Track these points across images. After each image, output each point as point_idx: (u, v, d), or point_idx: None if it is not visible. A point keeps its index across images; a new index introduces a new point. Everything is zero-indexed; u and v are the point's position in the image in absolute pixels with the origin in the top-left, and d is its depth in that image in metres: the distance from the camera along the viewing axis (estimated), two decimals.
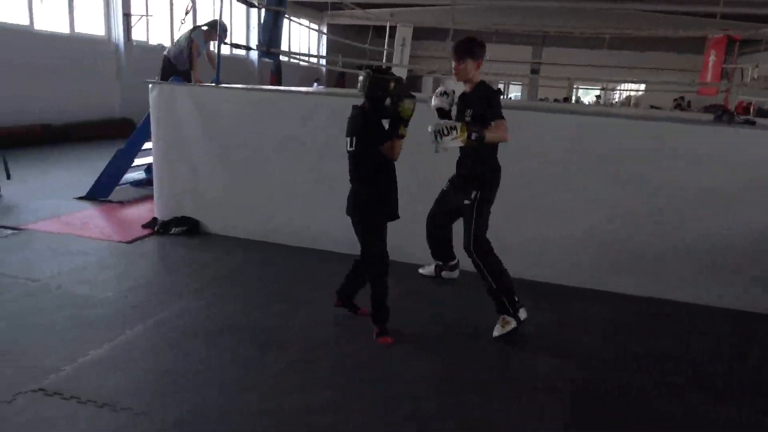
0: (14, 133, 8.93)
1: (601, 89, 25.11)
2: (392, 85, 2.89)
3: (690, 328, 3.61)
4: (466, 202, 3.23)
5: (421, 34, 13.79)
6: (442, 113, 3.43)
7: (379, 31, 14.90)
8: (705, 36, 10.48)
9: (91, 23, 10.95)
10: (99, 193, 5.88)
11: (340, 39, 8.83)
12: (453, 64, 3.23)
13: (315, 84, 18.11)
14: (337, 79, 21.17)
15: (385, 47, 10.53)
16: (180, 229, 4.85)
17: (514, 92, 26.65)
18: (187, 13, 5.31)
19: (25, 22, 9.54)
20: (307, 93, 4.98)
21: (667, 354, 3.22)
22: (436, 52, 16.18)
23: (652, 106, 18.88)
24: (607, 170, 3.98)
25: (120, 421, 2.30)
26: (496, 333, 3.20)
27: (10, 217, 4.97)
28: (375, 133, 2.95)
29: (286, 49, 13.20)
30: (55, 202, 5.60)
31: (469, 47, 3.20)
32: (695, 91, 14.42)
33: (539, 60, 24.68)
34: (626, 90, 24.78)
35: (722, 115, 4.20)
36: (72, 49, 10.30)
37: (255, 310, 3.47)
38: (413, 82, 19.19)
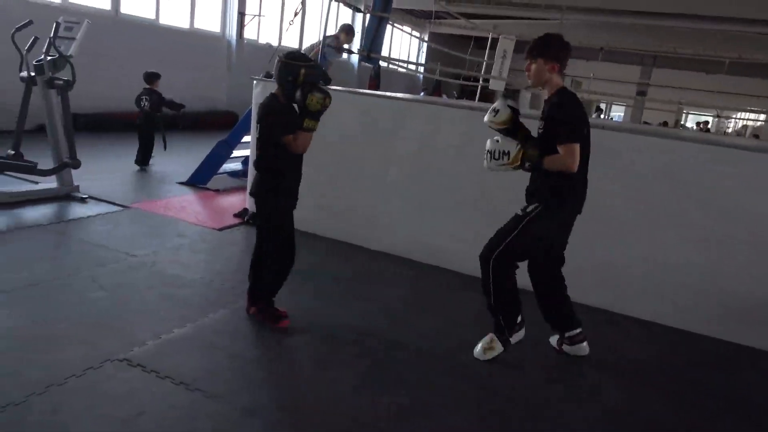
0: (132, 118, 9.66)
1: (714, 116, 23.49)
2: (303, 72, 2.76)
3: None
4: (518, 212, 2.86)
5: (523, 47, 13.52)
6: (512, 125, 2.84)
7: (480, 42, 14.79)
8: None
9: (209, 20, 11.66)
10: (198, 180, 6.22)
11: (440, 48, 8.80)
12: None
13: (422, 93, 18.21)
14: (434, 89, 21.20)
15: (485, 58, 10.39)
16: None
17: (617, 113, 25.48)
18: (296, 15, 5.47)
19: (152, 16, 10.31)
20: (412, 100, 4.96)
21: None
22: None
23: None
24: (705, 199, 3.67)
25: (192, 401, 2.39)
26: (476, 354, 2.98)
27: (121, 194, 5.36)
28: (280, 123, 2.82)
29: (387, 55, 13.40)
30: (159, 185, 6.00)
31: (543, 45, 2.80)
32: None
33: (647, 81, 23.52)
34: (743, 119, 23.00)
35: None
36: (190, 43, 11.02)
37: (333, 306, 3.51)
38: (511, 95, 18.86)
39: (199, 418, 2.30)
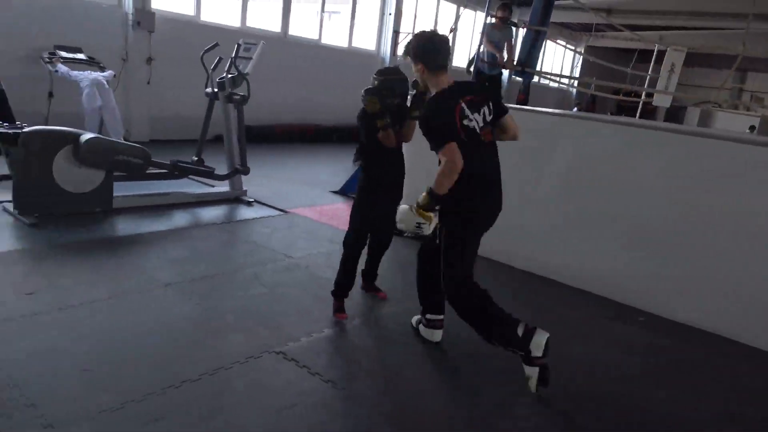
0: (294, 129, 10.51)
1: None
2: (375, 81, 3.33)
3: None
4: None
5: (694, 60, 12.37)
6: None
7: (643, 55, 13.81)
8: None
9: (366, 39, 12.28)
10: (350, 189, 6.54)
11: (601, 62, 8.36)
12: None
13: (575, 109, 17.53)
14: (588, 104, 20.19)
15: (649, 72, 9.68)
16: (414, 233, 5.11)
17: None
18: (451, 31, 5.54)
19: (315, 37, 11.11)
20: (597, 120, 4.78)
21: None
22: (708, 80, 14.35)
23: None
24: None
25: (339, 399, 2.51)
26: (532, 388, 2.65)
27: (281, 200, 5.81)
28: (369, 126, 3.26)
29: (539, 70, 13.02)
30: (314, 192, 6.40)
31: (409, 44, 2.73)
32: None
33: None
34: None
35: None
36: (347, 61, 11.68)
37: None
38: (674, 113, 17.25)
39: (345, 417, 2.40)
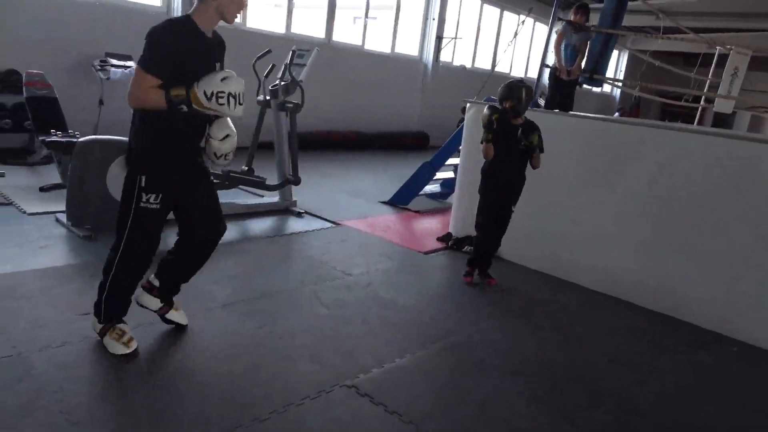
0: (332, 137, 10.34)
1: None
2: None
3: None
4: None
5: (758, 64, 11.76)
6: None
7: (690, 58, 13.22)
8: None
9: (409, 45, 12.07)
10: (399, 200, 6.31)
11: (666, 66, 7.96)
12: None
13: (617, 114, 17.00)
14: (632, 108, 19.56)
15: (709, 76, 9.19)
16: (471, 248, 4.85)
17: None
18: (515, 36, 5.27)
19: (359, 42, 10.95)
20: (625, 123, 4.49)
21: None
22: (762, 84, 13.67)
23: None
24: None
25: None
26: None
27: (331, 211, 5.62)
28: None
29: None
30: (363, 203, 6.19)
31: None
32: None
33: None
34: None
35: None
36: (390, 67, 11.48)
37: (547, 346, 3.20)
38: (724, 118, 16.54)
39: None
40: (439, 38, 12.18)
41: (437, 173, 6.55)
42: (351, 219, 5.46)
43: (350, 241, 4.82)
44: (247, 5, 2.48)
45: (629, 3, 8.03)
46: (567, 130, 4.42)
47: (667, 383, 2.99)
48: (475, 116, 4.91)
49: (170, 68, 2.30)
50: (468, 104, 5.04)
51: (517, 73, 15.01)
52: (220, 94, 2.30)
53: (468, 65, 13.20)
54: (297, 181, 5.40)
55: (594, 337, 3.47)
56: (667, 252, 3.91)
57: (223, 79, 2.32)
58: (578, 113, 5.13)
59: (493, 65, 13.22)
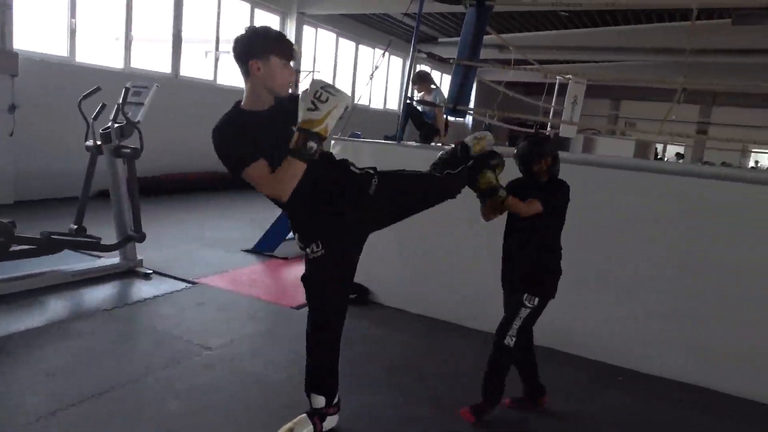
0: (188, 178, 9.49)
1: None
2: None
3: None
4: None
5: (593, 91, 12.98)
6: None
7: (530, 87, 14.34)
8: None
9: None
10: (265, 247, 5.76)
11: (517, 94, 8.33)
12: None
13: None
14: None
15: (553, 104, 9.83)
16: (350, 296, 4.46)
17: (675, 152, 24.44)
18: (376, 68, 5.08)
19: (210, 77, 10.25)
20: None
21: None
22: (587, 109, 15.22)
23: None
24: None
25: None
26: None
27: (185, 267, 4.91)
28: None
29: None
30: (223, 254, 5.53)
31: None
32: None
33: (707, 120, 22.55)
34: None
35: None
36: None
37: (440, 407, 2.87)
38: (561, 141, 18.23)
39: None
40: (297, 72, 11.87)
41: None
42: (209, 275, 4.80)
43: (209, 303, 4.18)
44: (295, 75, 2.12)
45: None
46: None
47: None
48: (341, 153, 4.57)
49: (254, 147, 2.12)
50: (333, 141, 4.69)
51: (377, 105, 15.17)
52: (320, 93, 2.06)
53: None
54: (141, 238, 4.65)
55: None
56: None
57: (314, 84, 2.09)
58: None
59: (353, 99, 13.20)
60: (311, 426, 2.48)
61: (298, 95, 2.15)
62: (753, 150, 21.49)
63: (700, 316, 3.39)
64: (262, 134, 2.15)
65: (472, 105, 21.28)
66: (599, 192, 3.65)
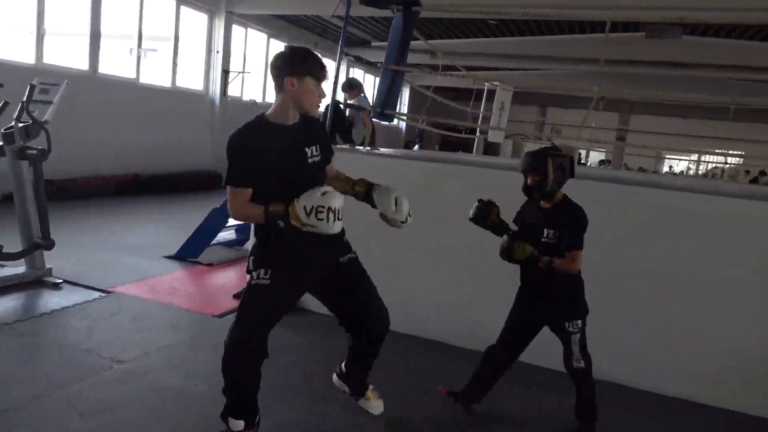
0: (108, 182, 9.02)
1: (691, 160, 23.86)
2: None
3: None
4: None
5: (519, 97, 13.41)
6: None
7: (461, 92, 14.67)
8: None
9: (191, 78, 11.20)
10: (188, 252, 5.53)
11: (446, 100, 8.44)
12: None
13: (416, 147, 17.93)
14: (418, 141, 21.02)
15: (481, 110, 10.07)
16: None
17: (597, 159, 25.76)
18: None
19: (132, 75, 9.80)
20: (430, 161, 4.47)
21: None
22: (513, 115, 15.77)
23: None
24: None
25: None
26: None
27: (98, 276, 4.63)
28: None
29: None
30: (142, 261, 5.27)
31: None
32: None
33: (626, 128, 23.88)
34: (712, 162, 23.31)
35: None
36: (171, 102, 10.50)
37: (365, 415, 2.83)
38: (490, 145, 18.82)
39: None
40: (226, 72, 11.57)
41: (232, 219, 5.91)
42: (125, 284, 4.55)
43: (123, 313, 3.95)
44: (325, 95, 2.40)
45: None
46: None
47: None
48: None
49: (258, 171, 2.25)
50: None
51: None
52: (320, 209, 2.19)
53: (259, 100, 12.78)
54: (49, 245, 4.35)
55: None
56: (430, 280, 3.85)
57: (323, 194, 2.22)
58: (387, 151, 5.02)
59: (264, 96, 13.00)
60: None
61: (318, 119, 2.43)
62: (666, 156, 22.99)
63: (611, 318, 3.52)
64: (278, 145, 2.28)
65: (405, 110, 21.52)
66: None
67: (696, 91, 12.25)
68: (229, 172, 2.28)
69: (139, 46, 9.84)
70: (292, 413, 2.84)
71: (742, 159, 20.78)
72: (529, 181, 2.66)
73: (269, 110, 2.35)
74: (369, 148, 5.17)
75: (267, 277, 2.30)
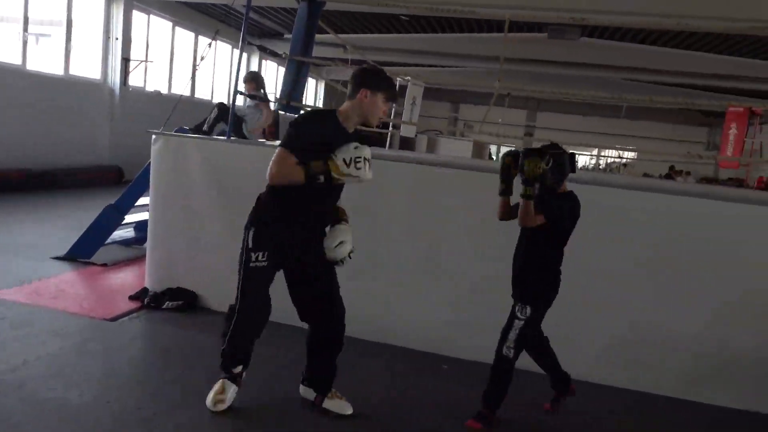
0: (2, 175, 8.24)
1: (592, 155, 25.47)
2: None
3: None
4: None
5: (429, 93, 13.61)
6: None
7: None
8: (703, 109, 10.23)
9: (87, 66, 10.44)
10: (80, 252, 5.13)
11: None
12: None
13: None
14: None
15: (393, 105, 10.11)
16: (174, 303, 4.13)
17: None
18: (202, 58, 4.75)
19: (18, 61, 8.98)
20: None
21: None
22: (426, 111, 16.11)
23: (645, 174, 19.02)
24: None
25: None
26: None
27: None
28: None
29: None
30: (25, 263, 4.83)
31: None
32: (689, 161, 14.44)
33: (533, 123, 25.04)
34: (611, 157, 25.02)
35: None
36: (64, 91, 9.74)
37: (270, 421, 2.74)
38: (406, 140, 19.05)
39: None
40: (126, 60, 10.88)
41: (129, 215, 5.55)
42: (3, 288, 4.14)
43: (0, 320, 3.59)
44: (386, 113, 2.70)
45: (323, 35, 8.31)
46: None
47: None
48: (162, 150, 4.21)
49: (309, 155, 2.47)
50: (154, 136, 4.30)
51: (220, 98, 14.48)
52: (357, 159, 2.48)
53: (164, 91, 12.15)
54: None
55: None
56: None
57: (355, 147, 2.51)
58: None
59: (192, 90, 12.47)
60: (235, 386, 2.78)
61: (368, 136, 2.79)
62: (571, 152, 24.35)
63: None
64: (336, 144, 2.52)
65: (321, 104, 21.33)
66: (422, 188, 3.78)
67: (594, 90, 13.01)
68: (289, 136, 2.52)
69: (25, 30, 9.03)
70: (195, 417, 2.69)
71: (635, 154, 22.32)
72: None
73: (340, 109, 2.62)
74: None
75: (264, 259, 2.61)
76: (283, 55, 4.43)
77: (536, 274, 2.82)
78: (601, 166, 24.37)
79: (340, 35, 10.20)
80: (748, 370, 3.37)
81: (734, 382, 3.39)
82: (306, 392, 2.88)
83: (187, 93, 11.39)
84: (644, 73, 13.23)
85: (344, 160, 2.46)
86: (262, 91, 5.53)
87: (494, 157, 22.94)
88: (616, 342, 3.52)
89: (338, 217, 2.74)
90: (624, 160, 24.25)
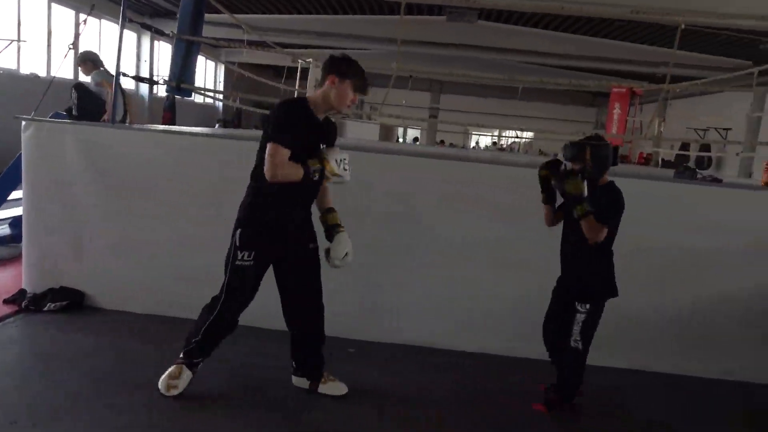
0: None
1: (493, 135, 26.56)
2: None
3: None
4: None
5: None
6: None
7: (278, 70, 14.36)
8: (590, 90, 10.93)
9: None
10: None
11: (257, 77, 8.09)
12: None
13: (217, 125, 17.10)
14: (234, 119, 20.19)
15: (296, 87, 9.92)
16: (58, 304, 3.80)
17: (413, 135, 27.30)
18: (77, 36, 4.35)
19: None
20: (232, 137, 4.23)
21: None
22: None
23: (540, 152, 20.14)
24: None
25: None
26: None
27: None
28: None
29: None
30: None
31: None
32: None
33: (437, 105, 25.59)
34: (509, 137, 26.25)
35: (684, 171, 4.06)
36: None
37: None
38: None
39: None
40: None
41: (1, 211, 5.04)
42: None
43: None
44: (356, 102, 2.65)
45: (219, 15, 7.90)
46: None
47: None
48: (34, 137, 3.83)
49: (297, 148, 2.50)
50: (24, 122, 3.89)
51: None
52: (344, 160, 2.62)
53: (41, 74, 11.11)
54: None
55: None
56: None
57: (339, 149, 2.65)
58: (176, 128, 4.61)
59: (75, 73, 11.49)
60: (191, 373, 2.78)
61: (334, 123, 2.77)
62: (473, 132, 25.24)
63: (408, 284, 3.68)
64: (310, 131, 2.58)
65: (222, 88, 20.41)
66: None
67: (491, 72, 13.48)
68: (277, 130, 2.46)
69: None
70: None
71: (533, 133, 23.48)
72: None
73: (309, 97, 2.67)
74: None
75: (251, 258, 2.62)
76: (171, 34, 4.14)
77: (593, 276, 2.81)
78: (503, 146, 25.51)
79: (237, 15, 9.81)
80: (642, 332, 3.63)
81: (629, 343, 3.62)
82: (299, 382, 2.95)
83: (67, 76, 10.48)
84: (536, 56, 13.84)
85: (336, 162, 2.56)
86: (101, 69, 5.02)
87: (401, 140, 23.27)
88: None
89: (336, 223, 2.74)
90: (522, 140, 25.48)
